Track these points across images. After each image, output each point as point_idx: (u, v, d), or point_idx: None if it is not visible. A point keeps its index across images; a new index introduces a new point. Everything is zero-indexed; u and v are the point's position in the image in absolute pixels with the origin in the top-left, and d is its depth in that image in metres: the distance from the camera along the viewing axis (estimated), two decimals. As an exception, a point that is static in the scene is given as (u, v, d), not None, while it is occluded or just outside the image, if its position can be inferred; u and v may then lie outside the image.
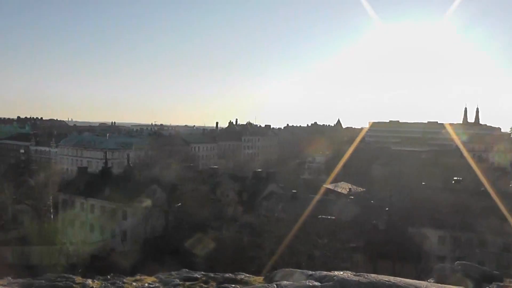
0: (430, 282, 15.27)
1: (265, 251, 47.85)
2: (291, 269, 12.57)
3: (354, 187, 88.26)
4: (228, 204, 71.13)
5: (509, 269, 44.68)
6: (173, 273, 10.87)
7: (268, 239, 50.20)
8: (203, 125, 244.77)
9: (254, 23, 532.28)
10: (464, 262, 17.69)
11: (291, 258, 43.17)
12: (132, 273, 10.81)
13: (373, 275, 12.34)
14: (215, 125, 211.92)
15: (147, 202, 66.26)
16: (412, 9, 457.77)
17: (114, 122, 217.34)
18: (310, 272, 11.96)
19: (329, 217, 57.00)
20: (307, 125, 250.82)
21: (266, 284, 11.48)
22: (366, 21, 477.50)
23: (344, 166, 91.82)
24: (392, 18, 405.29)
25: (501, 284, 14.96)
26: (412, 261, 50.76)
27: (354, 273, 12.15)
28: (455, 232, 58.32)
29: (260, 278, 12.69)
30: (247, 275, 12.57)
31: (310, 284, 11.19)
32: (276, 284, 11.20)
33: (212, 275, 11.50)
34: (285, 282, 11.32)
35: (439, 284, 14.06)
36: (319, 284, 11.20)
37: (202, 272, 11.44)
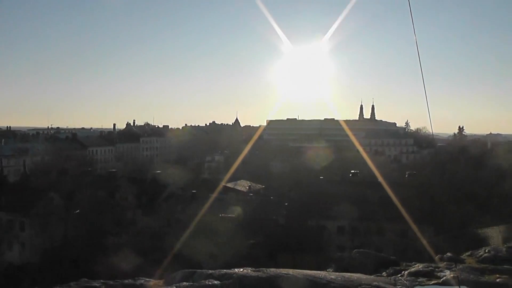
0: (329, 271, 15.90)
1: (166, 253, 47.61)
2: (191, 269, 12.73)
3: (254, 184, 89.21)
4: (127, 208, 70.06)
5: (405, 253, 46.65)
6: (71, 284, 10.73)
7: (168, 241, 49.95)
8: (100, 127, 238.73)
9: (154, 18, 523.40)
10: (362, 250, 18.54)
11: (192, 259, 43.17)
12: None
13: (272, 269, 12.71)
14: (112, 127, 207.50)
15: (46, 211, 64.15)
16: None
17: (9, 127, 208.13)
18: (210, 271, 12.17)
19: (229, 215, 57.46)
20: (206, 124, 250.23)
21: (166, 287, 11.59)
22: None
23: (244, 164, 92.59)
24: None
25: (397, 268, 15.80)
26: (312, 252, 51.89)
27: (254, 269, 12.48)
28: (353, 222, 60.24)
29: (160, 282, 12.76)
30: (147, 279, 12.60)
31: (210, 283, 11.40)
32: (176, 286, 11.32)
33: (111, 282, 11.45)
34: (184, 284, 11.47)
35: (337, 273, 14.66)
36: (219, 282, 11.43)
37: (101, 281, 11.37)
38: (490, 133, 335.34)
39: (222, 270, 12.14)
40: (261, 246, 53.33)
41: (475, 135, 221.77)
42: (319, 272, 13.87)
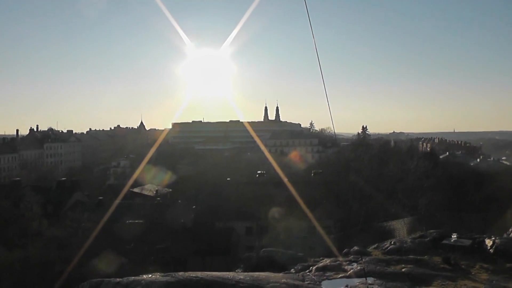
0: (237, 272, 15.90)
1: (74, 263, 46.25)
2: (98, 279, 12.40)
3: (161, 188, 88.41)
4: (32, 218, 67.49)
5: (314, 250, 47.47)
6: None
7: (75, 251, 48.56)
8: (3, 133, 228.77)
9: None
10: (270, 249, 18.67)
11: (100, 268, 42.16)
12: None
13: (180, 273, 12.56)
14: (15, 133, 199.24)
15: None
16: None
17: None
18: (118, 280, 11.89)
19: (136, 221, 56.58)
20: (110, 128, 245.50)
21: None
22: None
23: (149, 168, 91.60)
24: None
25: (306, 264, 16.00)
26: (222, 254, 51.98)
27: (162, 274, 12.30)
28: (261, 222, 60.71)
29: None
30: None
31: (118, 292, 11.14)
32: (83, 297, 11.01)
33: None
34: (92, 294, 11.16)
35: (246, 273, 14.68)
36: (127, 290, 11.19)
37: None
38: (393, 132, 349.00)
39: (130, 278, 11.91)
40: (170, 250, 52.81)
41: (378, 134, 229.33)
42: (227, 273, 13.85)
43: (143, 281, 11.47)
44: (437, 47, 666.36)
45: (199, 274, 12.62)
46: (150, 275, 12.20)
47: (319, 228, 48.40)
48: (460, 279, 14.06)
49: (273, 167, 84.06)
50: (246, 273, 14.41)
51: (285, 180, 64.07)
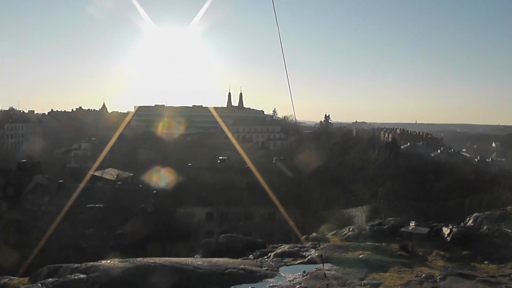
0: (196, 257, 15.89)
1: (33, 248, 45.55)
2: (56, 265, 12.25)
3: (122, 172, 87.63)
4: (-9, 201, 66.16)
5: (273, 236, 47.78)
6: None
7: (35, 235, 47.82)
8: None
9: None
10: (229, 234, 18.70)
11: (59, 253, 41.64)
12: None
13: (139, 259, 12.50)
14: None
15: None
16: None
17: None
18: (76, 265, 11.78)
19: (97, 205, 56.00)
20: (72, 109, 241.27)
21: (30, 285, 11.07)
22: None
23: (111, 151, 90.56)
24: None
25: (264, 250, 16.09)
26: (182, 240, 51.79)
27: (121, 260, 12.21)
28: (221, 208, 60.65)
29: (25, 279, 12.19)
30: (11, 277, 12.03)
31: (76, 277, 11.03)
32: (41, 283, 10.85)
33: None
34: (49, 280, 11.02)
35: (204, 258, 14.69)
36: (85, 276, 11.08)
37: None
38: (356, 122, 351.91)
39: (88, 263, 11.83)
40: (130, 236, 52.39)
41: (341, 123, 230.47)
42: (186, 259, 13.85)
43: (101, 267, 11.38)
44: (401, 39, 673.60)
45: (157, 259, 12.59)
46: (108, 261, 12.13)
47: (283, 214, 48.73)
48: (416, 266, 14.29)
49: (234, 153, 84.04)
50: (204, 259, 14.42)
51: (250, 165, 63.91)
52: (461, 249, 16.70)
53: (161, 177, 68.84)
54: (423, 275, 13.01)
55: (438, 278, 12.90)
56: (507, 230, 18.96)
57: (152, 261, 12.38)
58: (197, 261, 13.46)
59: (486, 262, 15.48)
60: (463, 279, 12.95)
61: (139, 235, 51.64)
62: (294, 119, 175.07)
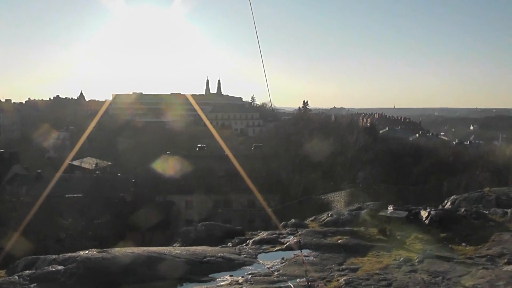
0: (175, 246, 15.81)
1: (11, 240, 45.12)
2: (33, 256, 12.11)
3: (100, 161, 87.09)
4: (-31, 192, 65.32)
5: (253, 223, 47.88)
6: None
7: (12, 226, 47.36)
8: None
9: None
10: (207, 222, 18.66)
11: (37, 244, 41.31)
12: None
13: (117, 248, 12.40)
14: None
15: None
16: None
17: None
18: (54, 256, 11.65)
19: (75, 195, 55.60)
20: (50, 98, 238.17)
21: (7, 278, 10.91)
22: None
23: (89, 140, 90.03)
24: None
25: (243, 237, 16.06)
26: (161, 229, 51.67)
27: (99, 250, 12.10)
28: (201, 196, 60.58)
29: (1, 272, 12.05)
30: (-13, 270, 11.89)
31: (53, 269, 10.90)
32: (18, 276, 10.71)
33: None
34: (27, 272, 10.88)
35: (183, 247, 14.62)
36: (62, 267, 10.94)
37: None
38: (334, 107, 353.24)
39: (66, 254, 11.70)
40: (109, 225, 52.07)
41: (319, 109, 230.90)
42: (164, 248, 13.79)
43: (78, 258, 11.27)
44: (378, 24, 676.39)
45: (135, 249, 12.51)
46: (86, 251, 12.02)
47: (262, 201, 48.76)
48: (395, 249, 14.35)
49: (213, 141, 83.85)
50: (183, 247, 14.37)
51: (228, 153, 63.80)
52: (439, 231, 16.79)
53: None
54: (401, 259, 13.06)
55: (416, 261, 12.96)
56: (485, 211, 19.15)
57: (130, 251, 12.30)
58: (176, 249, 13.41)
59: (463, 244, 15.60)
60: (441, 261, 13.03)
61: (119, 225, 51.43)
62: (271, 105, 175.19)
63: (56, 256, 11.77)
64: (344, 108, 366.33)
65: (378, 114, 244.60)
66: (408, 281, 10.76)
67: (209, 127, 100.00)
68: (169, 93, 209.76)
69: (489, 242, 15.50)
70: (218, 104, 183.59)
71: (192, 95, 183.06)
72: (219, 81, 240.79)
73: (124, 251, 12.15)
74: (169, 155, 74.32)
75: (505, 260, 13.37)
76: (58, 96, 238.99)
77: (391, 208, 19.07)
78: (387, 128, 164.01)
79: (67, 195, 54.75)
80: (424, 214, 18.22)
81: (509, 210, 18.91)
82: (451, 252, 14.48)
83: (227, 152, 65.09)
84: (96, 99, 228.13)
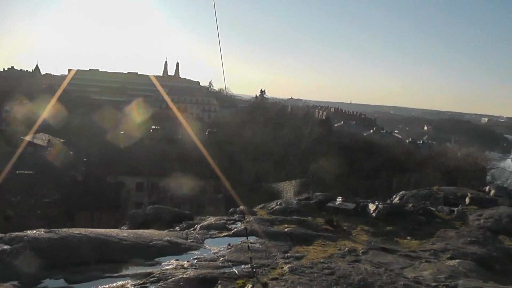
0: (122, 228, 15.73)
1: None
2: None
3: (53, 138, 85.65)
4: None
5: (202, 208, 47.76)
6: None
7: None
8: None
9: None
10: (156, 206, 18.60)
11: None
12: None
13: (64, 229, 12.24)
14: None
15: None
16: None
17: None
18: (0, 235, 11.41)
19: (26, 172, 54.55)
20: (4, 69, 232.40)
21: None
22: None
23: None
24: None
25: (191, 222, 16.07)
26: (110, 210, 51.25)
27: (46, 230, 11.92)
28: (152, 179, 60.23)
29: None
30: None
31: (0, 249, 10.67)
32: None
33: None
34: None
35: (130, 230, 14.55)
36: (9, 247, 10.75)
37: None
38: (291, 98, 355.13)
39: (13, 233, 11.50)
40: (58, 204, 51.30)
41: (276, 98, 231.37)
42: (112, 230, 13.68)
43: (25, 237, 11.10)
44: (339, 19, 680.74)
45: (83, 231, 12.38)
46: (34, 231, 11.84)
47: (210, 187, 48.70)
48: (340, 240, 14.58)
49: (168, 123, 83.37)
50: (130, 230, 14.32)
51: (196, 140, 63.17)
52: (386, 225, 17.15)
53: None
54: (346, 249, 13.26)
55: (360, 251, 13.18)
56: (432, 208, 19.57)
57: (77, 232, 12.16)
58: (123, 232, 13.34)
59: (409, 238, 15.97)
60: (385, 253, 13.30)
61: (68, 204, 50.73)
62: (225, 91, 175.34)
63: (3, 235, 11.57)
64: (301, 100, 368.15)
65: (334, 108, 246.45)
66: (351, 270, 10.90)
67: (173, 108, 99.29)
68: (126, 72, 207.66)
69: (434, 237, 15.95)
70: (175, 87, 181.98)
71: (150, 76, 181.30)
72: (177, 63, 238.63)
73: (72, 232, 12.01)
74: (122, 135, 73.50)
75: (448, 255, 13.77)
76: (13, 67, 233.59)
77: (340, 199, 19.33)
78: (342, 122, 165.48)
79: (17, 172, 53.60)
80: (372, 207, 18.53)
81: (455, 209, 19.40)
82: (396, 245, 14.82)
83: (194, 138, 64.31)
84: (52, 74, 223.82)
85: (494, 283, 11.55)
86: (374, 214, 18.04)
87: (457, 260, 13.15)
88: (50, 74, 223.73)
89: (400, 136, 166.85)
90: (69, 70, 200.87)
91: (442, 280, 11.02)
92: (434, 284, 10.75)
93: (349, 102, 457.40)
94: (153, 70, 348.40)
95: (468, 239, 15.63)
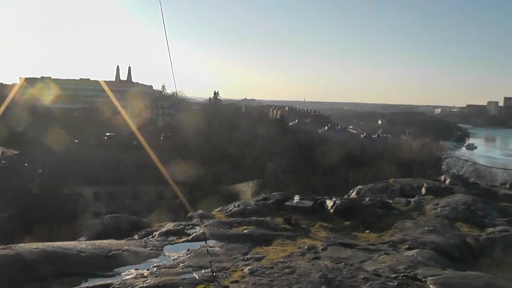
0: (81, 240, 15.47)
1: None
2: None
3: (7, 149, 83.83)
4: None
5: (161, 214, 47.29)
6: None
7: None
8: None
9: None
10: (114, 215, 18.34)
11: None
12: None
13: (21, 245, 11.99)
14: None
15: None
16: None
17: None
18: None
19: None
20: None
21: None
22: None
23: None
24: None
25: (149, 229, 15.91)
26: (68, 222, 50.49)
27: (2, 247, 11.65)
28: (109, 187, 59.65)
29: None
30: None
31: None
32: None
33: None
34: None
35: (89, 241, 14.33)
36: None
37: None
38: (245, 99, 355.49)
39: (-33, 252, 11.21)
40: (15, 219, 50.37)
41: (230, 100, 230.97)
42: (70, 242, 13.46)
43: (-20, 256, 10.84)
44: (292, 18, 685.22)
45: (40, 245, 12.15)
46: (-12, 249, 11.55)
47: (168, 193, 48.41)
48: (300, 238, 14.65)
49: (122, 130, 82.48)
50: (88, 242, 14.10)
51: (142, 142, 62.71)
52: (344, 220, 17.38)
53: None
54: (306, 246, 13.33)
55: (320, 248, 13.27)
56: (389, 201, 19.86)
57: (34, 246, 11.93)
58: (81, 244, 13.13)
59: (367, 231, 16.20)
60: (344, 248, 13.44)
61: (25, 219, 49.87)
62: (184, 95, 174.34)
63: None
64: (255, 100, 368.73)
65: (288, 106, 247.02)
66: (311, 268, 10.97)
67: (124, 116, 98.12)
68: (79, 78, 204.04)
69: (392, 229, 16.22)
70: (127, 91, 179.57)
71: (104, 81, 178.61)
72: (129, 67, 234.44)
73: (29, 247, 11.78)
74: (77, 144, 72.57)
75: (406, 246, 14.03)
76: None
77: (297, 198, 19.42)
78: (296, 121, 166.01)
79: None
80: (329, 203, 18.72)
81: (412, 200, 19.79)
82: (355, 239, 15.02)
83: (141, 141, 63.93)
84: (3, 83, 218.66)
85: (452, 270, 11.76)
86: (332, 210, 18.23)
87: (415, 250, 13.37)
88: (2, 83, 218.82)
89: (355, 132, 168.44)
90: (21, 79, 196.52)
91: (401, 271, 11.19)
92: (393, 275, 10.89)
93: (303, 100, 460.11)
94: (106, 75, 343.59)
95: (426, 228, 15.95)
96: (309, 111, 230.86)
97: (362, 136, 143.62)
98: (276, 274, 10.48)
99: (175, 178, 52.81)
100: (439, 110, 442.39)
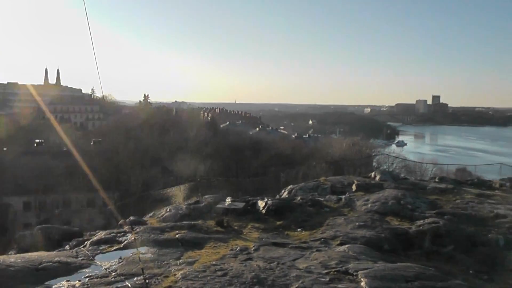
0: (10, 254, 15.07)
1: None
2: None
3: None
4: None
5: (93, 222, 46.66)
6: None
7: None
8: None
9: None
10: (44, 225, 17.95)
11: None
12: None
13: None
14: None
15: None
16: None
17: None
18: None
19: None
20: None
21: None
22: None
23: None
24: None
25: (80, 239, 15.63)
26: (-2, 234, 49.09)
27: None
28: (39, 196, 58.23)
29: None
30: None
31: None
32: None
33: None
34: None
35: (18, 255, 13.97)
36: None
37: None
38: (176, 101, 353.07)
39: None
40: None
41: (160, 102, 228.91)
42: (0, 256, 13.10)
43: None
44: (217, 20, 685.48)
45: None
46: None
47: (102, 199, 47.60)
48: (232, 240, 14.73)
49: (52, 135, 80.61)
50: (18, 255, 13.76)
51: (71, 148, 61.31)
52: (276, 220, 17.63)
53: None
54: (238, 248, 13.41)
55: (252, 249, 13.36)
56: (320, 198, 20.21)
57: (-40, 263, 11.56)
58: (10, 258, 12.79)
59: (299, 229, 16.47)
60: (276, 248, 13.57)
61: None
62: (114, 98, 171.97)
63: None
64: (185, 102, 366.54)
65: (219, 108, 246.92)
66: (244, 269, 11.05)
67: (52, 121, 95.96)
68: (6, 83, 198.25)
69: (324, 226, 16.52)
70: (57, 95, 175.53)
71: (30, 86, 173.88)
72: (58, 71, 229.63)
73: (-46, 265, 11.42)
74: (5, 152, 70.38)
75: (338, 242, 14.34)
76: None
77: (229, 200, 19.53)
78: (227, 123, 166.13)
79: None
80: (261, 204, 18.91)
81: (343, 197, 20.22)
82: (287, 238, 15.25)
83: (69, 147, 62.54)
84: None
85: (383, 262, 12.07)
86: (264, 211, 18.43)
87: (346, 245, 13.67)
88: None
89: (286, 132, 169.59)
90: None
91: (333, 266, 11.40)
92: (325, 271, 11.07)
93: (234, 102, 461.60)
94: (34, 79, 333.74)
95: (357, 224, 16.36)
96: (240, 112, 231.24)
97: (293, 136, 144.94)
98: (208, 277, 10.51)
99: (105, 184, 52.10)
100: (368, 110, 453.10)
